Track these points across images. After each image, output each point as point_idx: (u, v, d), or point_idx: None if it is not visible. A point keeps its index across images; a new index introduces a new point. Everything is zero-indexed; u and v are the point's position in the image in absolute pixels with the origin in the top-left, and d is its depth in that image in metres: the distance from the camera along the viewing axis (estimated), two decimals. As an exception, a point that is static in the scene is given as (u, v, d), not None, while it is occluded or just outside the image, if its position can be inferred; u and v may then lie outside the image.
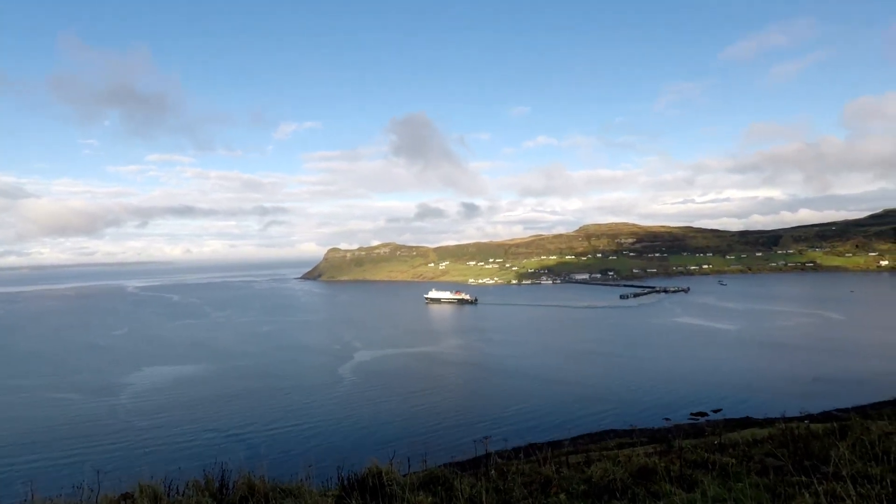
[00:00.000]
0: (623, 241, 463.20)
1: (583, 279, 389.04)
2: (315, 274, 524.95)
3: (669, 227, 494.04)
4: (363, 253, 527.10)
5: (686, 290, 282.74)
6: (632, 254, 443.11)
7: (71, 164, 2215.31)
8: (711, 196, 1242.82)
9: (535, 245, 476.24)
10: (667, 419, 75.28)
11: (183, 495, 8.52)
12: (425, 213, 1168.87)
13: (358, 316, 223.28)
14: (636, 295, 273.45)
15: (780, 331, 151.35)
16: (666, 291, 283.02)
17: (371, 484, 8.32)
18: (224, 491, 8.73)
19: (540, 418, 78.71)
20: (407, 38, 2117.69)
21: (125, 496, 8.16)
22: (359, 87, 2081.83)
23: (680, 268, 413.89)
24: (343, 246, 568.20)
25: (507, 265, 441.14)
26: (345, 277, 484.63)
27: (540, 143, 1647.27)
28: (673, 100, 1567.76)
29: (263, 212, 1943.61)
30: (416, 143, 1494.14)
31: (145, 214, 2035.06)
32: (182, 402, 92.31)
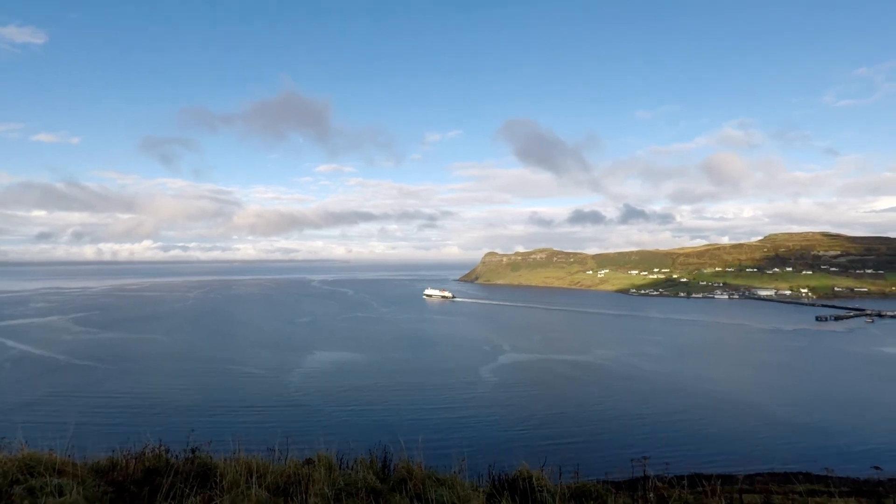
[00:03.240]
0: (820, 253, 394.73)
1: (767, 296, 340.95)
2: (472, 276, 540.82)
3: (888, 238, 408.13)
4: (519, 258, 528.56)
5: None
6: (832, 269, 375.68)
7: (262, 175, 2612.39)
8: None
9: (709, 255, 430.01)
10: (877, 468, 62.14)
11: (352, 469, 9.44)
12: (578, 218, 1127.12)
13: (511, 319, 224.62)
14: (838, 318, 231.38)
15: None
16: (881, 316, 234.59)
17: (521, 487, 8.33)
18: (386, 471, 9.48)
19: (707, 446, 70.94)
20: (512, 45, 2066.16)
21: (308, 462, 9.32)
22: (467, 95, 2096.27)
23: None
24: (498, 250, 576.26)
25: (675, 276, 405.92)
26: (501, 281, 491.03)
27: (687, 146, 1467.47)
28: (851, 89, 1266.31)
29: (418, 216, 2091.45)
30: (542, 149, 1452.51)
31: (320, 218, 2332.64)
32: (349, 386, 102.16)
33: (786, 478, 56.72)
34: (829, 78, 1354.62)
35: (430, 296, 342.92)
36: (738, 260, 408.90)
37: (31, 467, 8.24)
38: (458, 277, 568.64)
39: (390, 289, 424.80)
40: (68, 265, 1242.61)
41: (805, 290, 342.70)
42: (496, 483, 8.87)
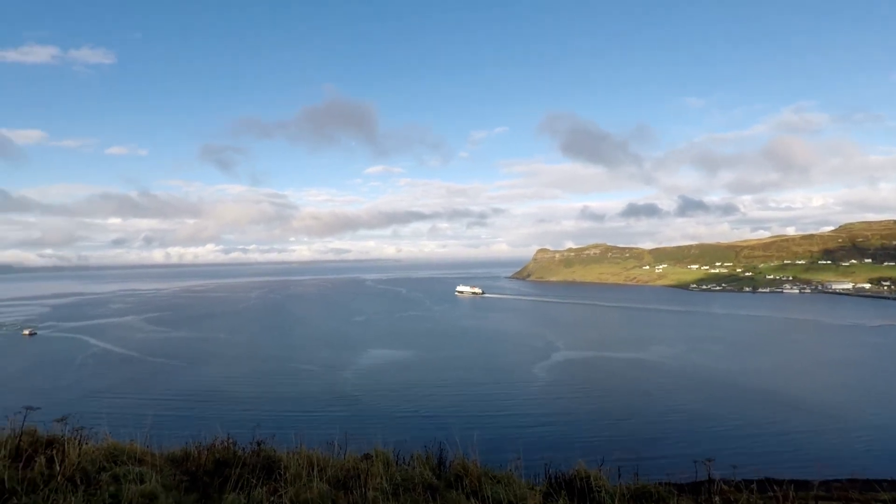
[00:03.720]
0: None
1: (844, 290, 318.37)
2: (524, 274, 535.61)
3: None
4: (572, 254, 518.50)
5: None
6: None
7: (314, 178, 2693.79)
8: None
9: (776, 247, 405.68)
10: (975, 479, 56.94)
11: (408, 465, 9.59)
12: (631, 211, 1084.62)
13: (560, 316, 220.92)
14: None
15: None
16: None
17: (578, 486, 8.21)
18: (441, 468, 9.58)
19: (779, 448, 67.14)
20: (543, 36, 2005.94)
21: (366, 456, 9.56)
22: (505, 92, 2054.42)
23: None
24: (549, 247, 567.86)
25: (738, 270, 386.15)
26: (553, 278, 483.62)
27: (743, 133, 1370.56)
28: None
29: (468, 215, 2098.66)
30: (588, 143, 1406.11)
31: (372, 218, 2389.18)
32: (404, 382, 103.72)
33: (868, 485, 52.76)
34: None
35: (461, 292, 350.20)
36: (810, 252, 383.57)
37: (115, 456, 8.91)
38: (509, 275, 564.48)
39: (443, 287, 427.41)
40: (139, 268, 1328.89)
41: (887, 284, 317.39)
42: (553, 482, 8.78)
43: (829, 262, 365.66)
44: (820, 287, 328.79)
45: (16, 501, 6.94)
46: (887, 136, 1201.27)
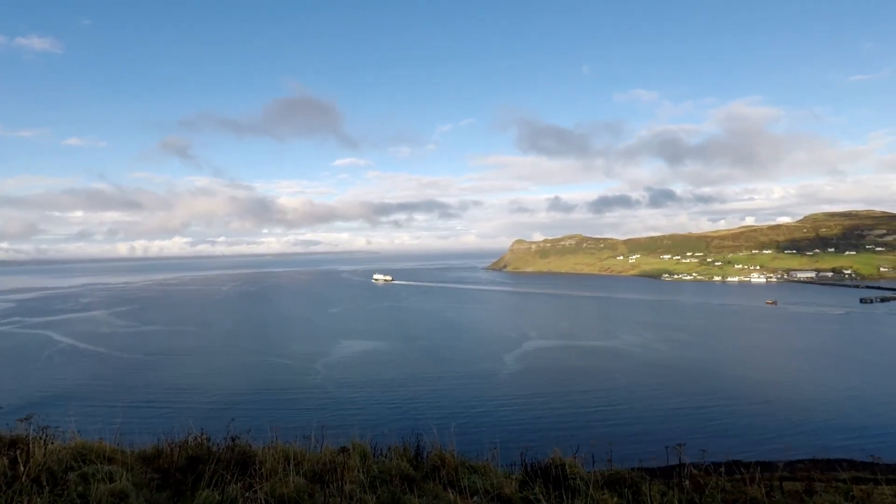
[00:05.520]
0: (866, 233, 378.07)
1: (808, 278, 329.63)
2: (501, 265, 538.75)
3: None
4: (548, 245, 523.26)
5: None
6: (879, 248, 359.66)
7: (282, 171, 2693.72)
8: None
9: (745, 237, 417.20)
10: (927, 456, 59.86)
11: (386, 457, 9.61)
12: (600, 203, 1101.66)
13: (535, 307, 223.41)
14: (884, 299, 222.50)
15: None
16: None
17: (554, 474, 8.34)
18: (419, 459, 9.62)
19: (745, 433, 69.47)
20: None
21: (342, 450, 9.53)
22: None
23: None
24: (522, 238, 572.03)
25: (709, 259, 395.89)
26: (529, 269, 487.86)
27: (696, 127, 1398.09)
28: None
29: (439, 206, 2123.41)
30: (549, 137, 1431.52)
31: (341, 211, 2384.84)
32: (381, 374, 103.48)
33: (829, 465, 55.12)
34: (836, 54, 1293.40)
35: (376, 280, 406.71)
36: (776, 242, 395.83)
37: (84, 455, 8.68)
38: (486, 266, 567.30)
39: (417, 279, 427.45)
40: (104, 262, 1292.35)
41: (848, 272, 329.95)
42: (529, 470, 8.90)
43: (794, 251, 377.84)
44: (786, 276, 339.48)
45: (-23, 504, 6.70)
46: (842, 132, 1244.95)
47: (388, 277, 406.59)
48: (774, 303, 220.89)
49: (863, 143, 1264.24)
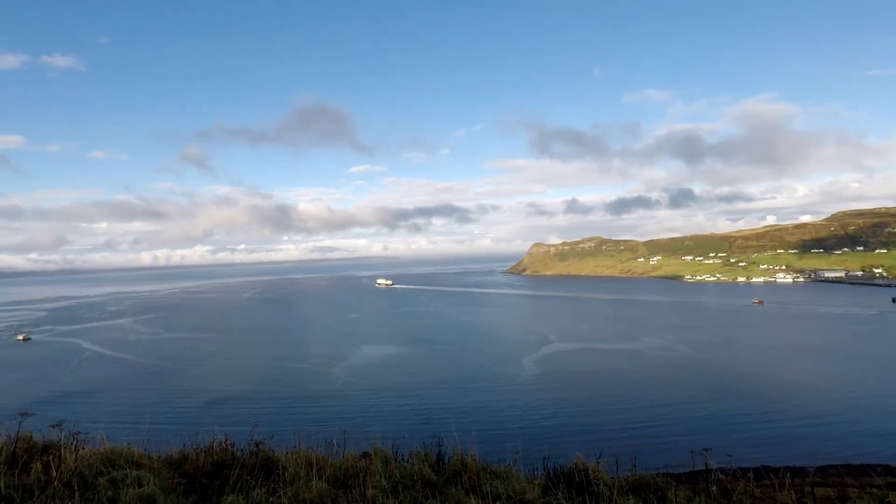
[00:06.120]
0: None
1: (836, 277, 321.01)
2: (519, 268, 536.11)
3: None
4: (566, 247, 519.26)
5: None
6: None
7: (300, 179, 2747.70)
8: None
9: (769, 237, 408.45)
10: (967, 461, 57.65)
11: (407, 462, 9.61)
12: (619, 205, 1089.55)
13: (555, 310, 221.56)
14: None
15: None
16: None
17: (577, 479, 8.24)
18: (441, 464, 9.59)
19: (775, 437, 67.78)
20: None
21: (364, 455, 9.56)
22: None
23: None
24: (540, 241, 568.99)
25: (733, 260, 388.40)
26: (548, 272, 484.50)
27: (712, 126, 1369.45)
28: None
29: (455, 211, 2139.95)
30: (565, 140, 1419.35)
31: (359, 217, 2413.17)
32: (402, 379, 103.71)
33: (862, 470, 53.41)
34: (850, 49, 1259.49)
35: (380, 284, 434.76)
36: (802, 241, 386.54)
37: (113, 460, 8.87)
38: (504, 270, 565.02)
39: (436, 284, 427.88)
40: (128, 271, 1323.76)
41: (879, 270, 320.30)
42: (551, 475, 8.81)
43: (821, 250, 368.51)
44: (813, 275, 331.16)
45: (12, 508, 6.90)
46: (867, 127, 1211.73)
47: (389, 282, 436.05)
48: (761, 302, 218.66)
49: (889, 138, 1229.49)
